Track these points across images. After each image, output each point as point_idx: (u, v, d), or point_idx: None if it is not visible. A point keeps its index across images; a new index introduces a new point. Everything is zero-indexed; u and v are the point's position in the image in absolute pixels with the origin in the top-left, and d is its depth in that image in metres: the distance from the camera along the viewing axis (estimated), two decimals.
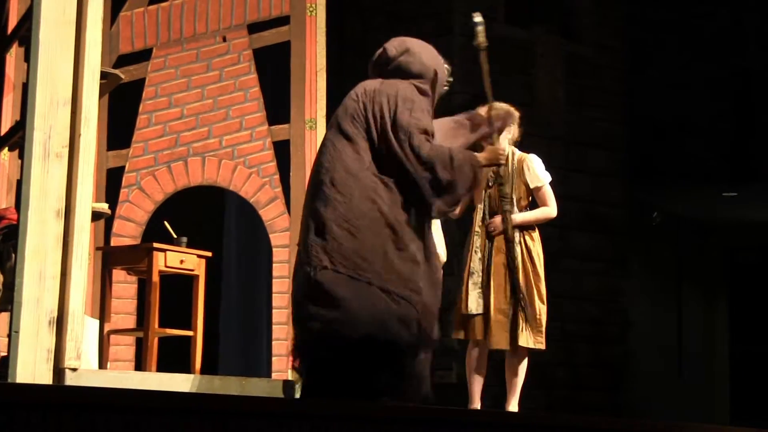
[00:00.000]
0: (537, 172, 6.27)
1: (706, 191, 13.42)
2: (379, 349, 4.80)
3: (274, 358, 7.25)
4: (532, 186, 6.26)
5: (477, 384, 6.19)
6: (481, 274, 6.09)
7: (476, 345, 6.17)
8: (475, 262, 6.12)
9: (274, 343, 7.28)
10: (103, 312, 6.67)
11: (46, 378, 4.83)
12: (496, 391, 6.82)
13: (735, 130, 12.84)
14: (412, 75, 5.07)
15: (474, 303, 6.05)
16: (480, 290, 6.06)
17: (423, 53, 5.13)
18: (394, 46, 5.13)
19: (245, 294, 9.29)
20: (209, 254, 6.79)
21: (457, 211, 5.09)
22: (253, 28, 7.47)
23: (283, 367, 7.08)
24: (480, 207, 6.20)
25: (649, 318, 13.65)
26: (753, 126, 12.79)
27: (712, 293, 15.24)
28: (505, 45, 10.66)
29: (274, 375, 7.09)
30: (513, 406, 6.14)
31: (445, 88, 5.18)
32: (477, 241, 6.15)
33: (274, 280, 7.29)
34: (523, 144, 6.42)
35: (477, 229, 6.18)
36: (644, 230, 13.60)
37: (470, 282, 6.09)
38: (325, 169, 4.92)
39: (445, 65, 5.19)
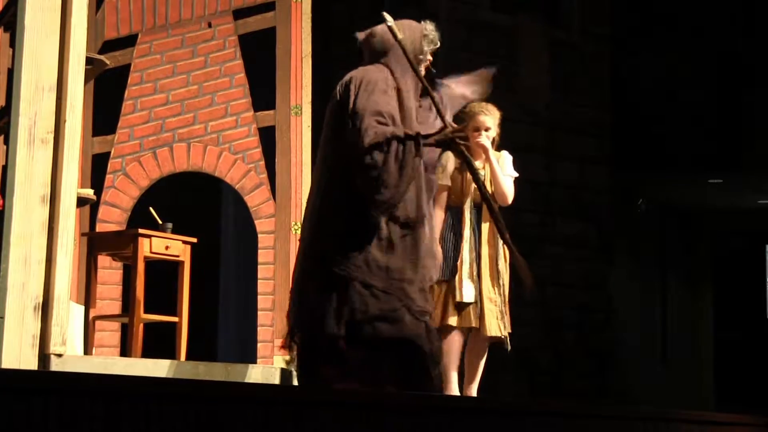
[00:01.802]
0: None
1: (691, 178, 13.45)
2: (356, 344, 4.82)
3: (259, 344, 7.26)
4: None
5: (455, 371, 6.21)
6: (470, 264, 6.10)
7: (461, 333, 6.18)
8: (465, 253, 6.13)
9: (259, 329, 7.28)
10: (88, 298, 6.67)
11: (31, 363, 4.83)
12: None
13: (721, 118, 12.87)
14: (379, 55, 5.04)
15: (468, 292, 6.07)
16: (471, 280, 6.08)
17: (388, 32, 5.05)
18: (373, 29, 5.13)
19: (243, 280, 9.27)
20: (194, 240, 6.79)
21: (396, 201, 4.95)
22: (239, 14, 7.47)
23: (268, 353, 7.09)
24: (468, 200, 6.18)
25: (634, 304, 13.68)
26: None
27: (697, 280, 15.28)
28: (490, 31, 10.67)
29: (259, 361, 7.10)
30: (475, 388, 6.17)
31: (428, 57, 5.13)
32: (467, 232, 6.15)
33: (259, 266, 7.30)
34: (508, 131, 6.40)
35: (467, 220, 6.18)
36: (630, 217, 13.63)
37: (463, 271, 6.10)
38: (317, 167, 5.09)
39: (428, 32, 5.12)
